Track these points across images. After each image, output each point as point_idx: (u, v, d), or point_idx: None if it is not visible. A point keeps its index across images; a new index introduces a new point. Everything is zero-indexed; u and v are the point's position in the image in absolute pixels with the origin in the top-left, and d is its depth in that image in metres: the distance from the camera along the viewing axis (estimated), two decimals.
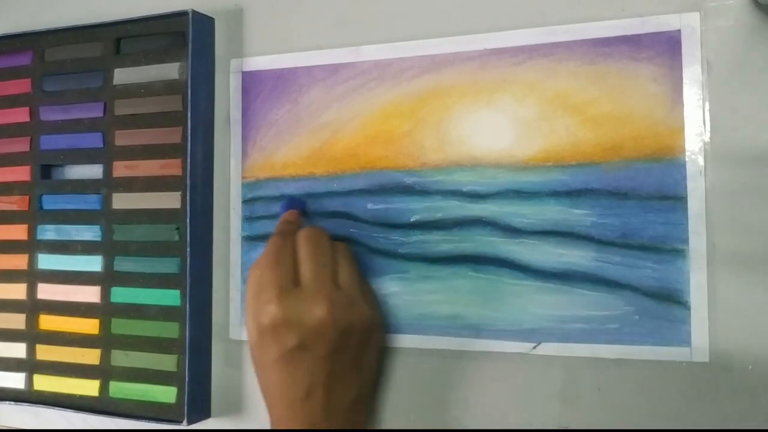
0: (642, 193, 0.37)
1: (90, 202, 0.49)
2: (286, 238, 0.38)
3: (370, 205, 0.43)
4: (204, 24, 0.47)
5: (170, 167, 0.46)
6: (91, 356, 0.48)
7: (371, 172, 0.43)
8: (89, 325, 0.48)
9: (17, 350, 0.50)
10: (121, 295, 0.48)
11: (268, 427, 0.45)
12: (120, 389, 0.47)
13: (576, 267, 0.38)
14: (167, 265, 0.46)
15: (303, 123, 0.45)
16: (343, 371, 0.36)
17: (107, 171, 0.48)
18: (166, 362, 0.46)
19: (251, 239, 0.46)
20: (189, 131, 0.45)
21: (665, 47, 0.37)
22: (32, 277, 0.51)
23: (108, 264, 0.48)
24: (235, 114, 0.47)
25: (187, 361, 0.44)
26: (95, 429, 0.50)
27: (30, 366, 0.50)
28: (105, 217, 0.48)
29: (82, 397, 0.48)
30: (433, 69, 0.42)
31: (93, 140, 0.49)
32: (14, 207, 0.51)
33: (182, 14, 0.46)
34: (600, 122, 0.38)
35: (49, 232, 0.50)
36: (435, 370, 0.41)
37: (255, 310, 0.36)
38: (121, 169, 0.48)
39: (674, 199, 0.37)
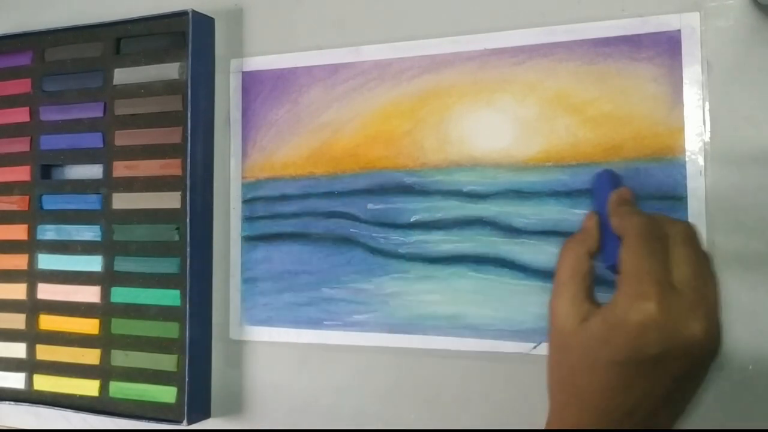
0: (642, 193, 0.37)
1: (90, 202, 0.49)
2: (655, 224, 0.32)
3: (370, 205, 0.43)
4: (204, 24, 0.47)
5: (170, 167, 0.46)
6: (91, 356, 0.48)
7: (371, 172, 0.43)
8: (89, 325, 0.48)
9: (17, 350, 0.50)
10: (121, 295, 0.48)
11: (267, 426, 0.45)
12: (120, 389, 0.47)
13: None
14: (167, 265, 0.46)
15: (303, 123, 0.45)
16: (677, 397, 0.31)
17: (107, 171, 0.48)
18: (166, 362, 0.46)
19: (251, 239, 0.46)
20: (189, 131, 0.45)
21: (665, 47, 0.37)
22: (32, 277, 0.50)
23: (108, 264, 0.48)
24: (235, 114, 0.47)
25: (187, 361, 0.44)
26: (95, 429, 0.50)
27: (30, 366, 0.50)
28: (105, 217, 0.48)
29: (82, 397, 0.48)
30: (433, 69, 0.42)
31: (93, 140, 0.49)
32: (14, 207, 0.51)
33: (182, 14, 0.46)
34: (600, 122, 0.38)
35: (49, 232, 0.50)
36: (435, 370, 0.41)
37: (625, 300, 0.30)
38: (121, 169, 0.48)
39: (674, 199, 0.37)
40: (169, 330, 0.46)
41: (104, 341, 0.48)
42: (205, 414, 0.46)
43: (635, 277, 0.30)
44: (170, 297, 0.46)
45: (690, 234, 0.32)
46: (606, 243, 0.33)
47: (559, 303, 0.32)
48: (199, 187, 0.46)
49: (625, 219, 0.32)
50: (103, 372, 0.48)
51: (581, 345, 0.31)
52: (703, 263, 0.31)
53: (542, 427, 0.39)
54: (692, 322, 0.29)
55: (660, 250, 0.30)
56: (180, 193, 0.46)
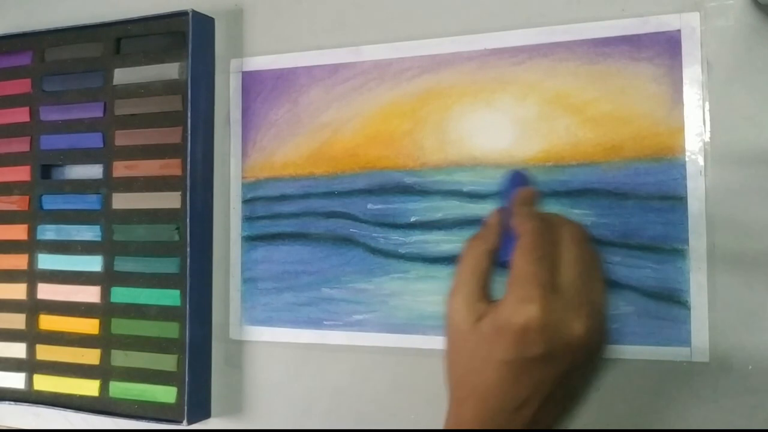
0: (642, 193, 0.37)
1: (90, 202, 0.49)
2: (546, 226, 0.33)
3: (370, 205, 0.43)
4: (204, 24, 0.47)
5: (170, 167, 0.46)
6: (91, 356, 0.48)
7: (371, 172, 0.43)
8: (89, 325, 0.48)
9: (17, 350, 0.50)
10: (121, 295, 0.48)
11: (267, 426, 0.45)
12: (120, 389, 0.47)
13: None
14: (167, 265, 0.46)
15: (303, 123, 0.45)
16: (564, 392, 0.33)
17: (107, 171, 0.48)
18: (166, 362, 0.46)
19: (251, 239, 0.46)
20: (189, 131, 0.45)
21: (665, 47, 0.37)
22: (32, 277, 0.50)
23: (108, 264, 0.48)
24: (235, 114, 0.47)
25: (187, 361, 0.44)
26: (95, 429, 0.50)
27: (30, 366, 0.50)
28: (105, 217, 0.48)
29: (82, 397, 0.48)
30: (433, 69, 0.42)
31: (93, 140, 0.49)
32: (14, 207, 0.51)
33: (182, 14, 0.46)
34: (600, 122, 0.38)
35: (49, 232, 0.50)
36: (435, 370, 0.41)
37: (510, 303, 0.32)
38: (121, 169, 0.48)
39: (674, 199, 0.37)
40: (169, 330, 0.46)
41: (104, 341, 0.48)
42: (205, 414, 0.46)
43: (522, 281, 0.32)
44: (170, 297, 0.46)
45: (579, 236, 0.33)
46: (506, 241, 0.34)
47: (455, 301, 0.34)
48: (199, 187, 0.46)
49: (523, 221, 0.34)
50: (103, 372, 0.48)
51: (474, 344, 0.33)
52: (590, 264, 0.33)
53: (544, 427, 0.39)
54: (574, 322, 0.31)
55: (549, 253, 0.32)
56: (180, 193, 0.46)
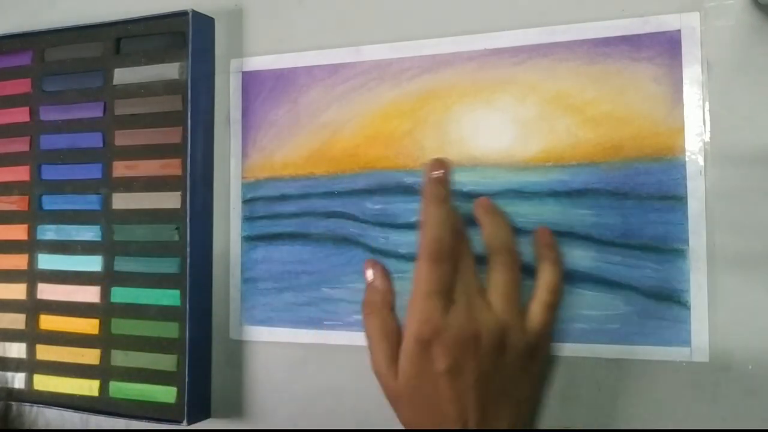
0: (642, 193, 0.37)
1: (90, 202, 0.49)
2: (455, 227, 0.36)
3: (370, 205, 0.43)
4: (204, 24, 0.47)
5: (170, 167, 0.46)
6: (91, 356, 0.48)
7: (371, 172, 0.43)
8: (89, 325, 0.48)
9: (17, 350, 0.50)
10: (121, 295, 0.48)
11: (267, 426, 0.45)
12: (120, 389, 0.47)
13: (576, 267, 0.38)
14: (167, 265, 0.46)
15: (303, 123, 0.45)
16: (502, 391, 0.33)
17: (107, 171, 0.48)
18: (166, 362, 0.46)
19: (251, 239, 0.46)
20: (189, 131, 0.45)
21: (665, 47, 0.37)
22: (32, 277, 0.50)
23: (108, 264, 0.48)
24: (235, 114, 0.47)
25: (187, 361, 0.44)
26: (95, 429, 0.50)
27: (30, 366, 0.50)
28: (105, 217, 0.48)
29: (82, 397, 0.48)
30: (433, 69, 0.42)
31: (93, 140, 0.49)
32: (14, 207, 0.51)
33: (182, 14, 0.46)
34: (600, 122, 0.38)
35: (49, 232, 0.50)
36: None
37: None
38: (121, 169, 0.48)
39: (674, 199, 0.37)
40: (169, 330, 0.46)
41: (104, 341, 0.48)
42: (205, 414, 0.46)
43: (415, 300, 0.35)
44: (170, 297, 0.46)
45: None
46: None
47: (376, 368, 0.36)
48: (199, 187, 0.46)
49: (425, 215, 0.35)
50: (103, 372, 0.48)
51: (407, 393, 0.34)
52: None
53: (542, 426, 0.39)
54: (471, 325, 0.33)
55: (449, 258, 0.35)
56: (180, 193, 0.46)
